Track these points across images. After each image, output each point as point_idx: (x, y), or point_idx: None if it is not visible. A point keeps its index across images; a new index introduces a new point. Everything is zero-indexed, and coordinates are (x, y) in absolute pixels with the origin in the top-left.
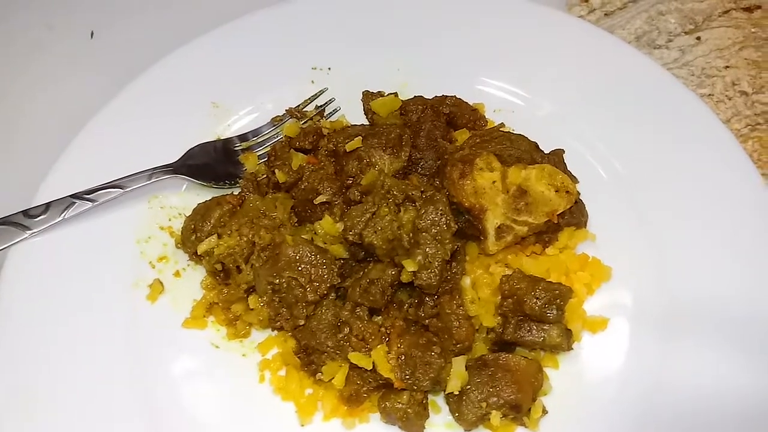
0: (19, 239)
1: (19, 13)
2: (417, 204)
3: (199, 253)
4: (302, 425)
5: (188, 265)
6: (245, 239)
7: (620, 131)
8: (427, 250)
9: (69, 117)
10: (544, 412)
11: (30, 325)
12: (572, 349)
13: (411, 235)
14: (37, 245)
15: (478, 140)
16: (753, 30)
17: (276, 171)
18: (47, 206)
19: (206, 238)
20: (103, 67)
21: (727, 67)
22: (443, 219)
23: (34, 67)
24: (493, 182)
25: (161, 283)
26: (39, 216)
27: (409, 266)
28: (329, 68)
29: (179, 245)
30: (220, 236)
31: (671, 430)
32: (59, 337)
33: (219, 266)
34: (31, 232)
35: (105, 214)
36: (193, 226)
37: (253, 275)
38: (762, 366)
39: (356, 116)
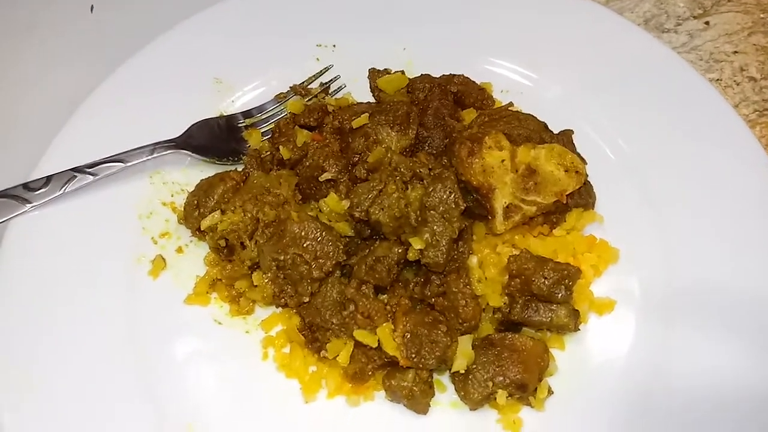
0: (19, 212)
1: None
2: (425, 182)
3: (202, 229)
4: (306, 402)
5: (191, 241)
6: (249, 215)
7: (629, 114)
8: (435, 228)
9: (69, 92)
10: (550, 392)
11: (30, 298)
12: (579, 329)
13: (418, 212)
14: (37, 219)
15: (486, 119)
16: (762, 15)
17: (280, 147)
18: (48, 179)
19: (209, 213)
20: (103, 42)
21: (736, 52)
22: (451, 197)
23: (34, 42)
24: (502, 161)
25: (163, 259)
26: (39, 189)
27: (417, 244)
28: (334, 45)
29: (182, 221)
30: (223, 212)
31: (675, 412)
32: (59, 311)
33: (222, 242)
34: (31, 205)
35: (106, 189)
36: (196, 202)
37: (257, 252)
38: (765, 352)
39: (361, 95)
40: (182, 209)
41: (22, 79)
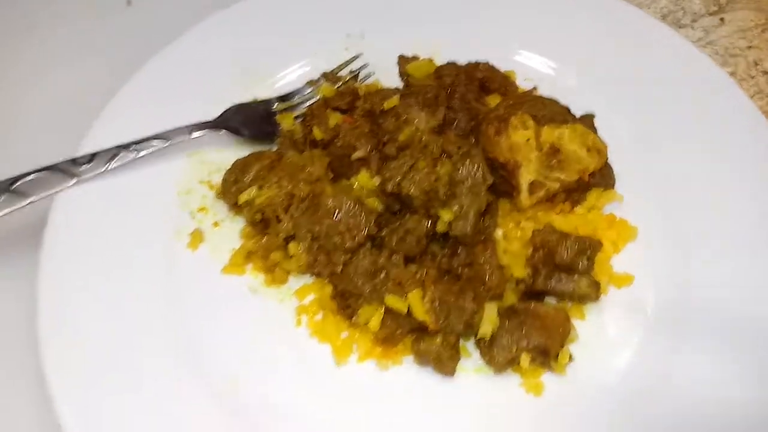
0: (66, 185)
1: None
2: (453, 158)
3: (240, 203)
4: (338, 365)
5: (227, 216)
6: (285, 190)
7: (648, 103)
8: (463, 201)
9: (106, 81)
10: (571, 358)
11: (76, 268)
12: (599, 299)
13: (447, 187)
14: (82, 193)
15: (512, 102)
16: None
17: (313, 129)
18: (93, 156)
19: (247, 189)
20: (139, 34)
21: (750, 47)
22: (479, 172)
23: (71, 34)
24: (528, 140)
25: (201, 232)
26: (85, 164)
27: (446, 216)
28: (363, 36)
29: (219, 196)
30: (260, 187)
31: (696, 378)
32: (104, 280)
33: (259, 216)
34: (77, 179)
35: (147, 168)
36: (234, 178)
37: (293, 224)
38: None
39: (388, 82)
40: (219, 186)
41: (61, 66)
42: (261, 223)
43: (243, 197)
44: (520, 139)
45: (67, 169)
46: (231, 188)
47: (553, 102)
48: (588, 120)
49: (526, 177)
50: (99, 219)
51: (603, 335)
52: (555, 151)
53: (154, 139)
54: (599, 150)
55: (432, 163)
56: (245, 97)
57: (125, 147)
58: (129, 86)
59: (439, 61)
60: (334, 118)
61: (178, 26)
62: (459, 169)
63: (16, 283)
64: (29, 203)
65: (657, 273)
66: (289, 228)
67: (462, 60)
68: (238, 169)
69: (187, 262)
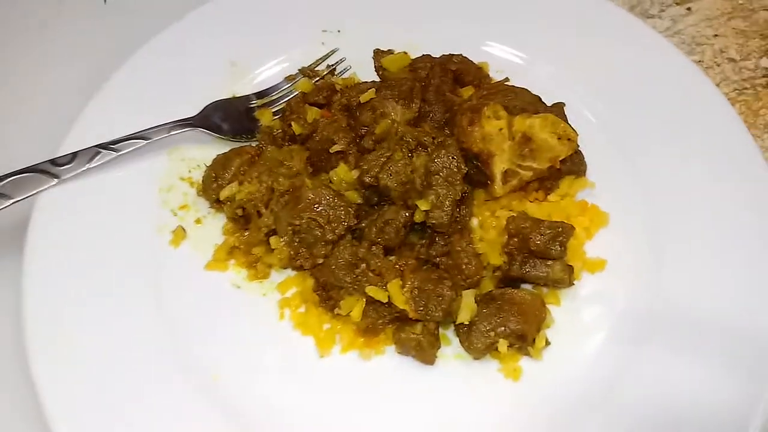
0: (47, 186)
1: None
2: (429, 149)
3: (221, 199)
4: (321, 357)
5: (208, 213)
6: (265, 185)
7: (616, 90)
8: (439, 191)
9: (85, 80)
10: (547, 343)
11: (59, 267)
12: (573, 284)
13: (423, 177)
14: (64, 193)
15: (485, 92)
16: (741, 1)
17: (292, 123)
18: (74, 155)
19: (227, 185)
20: (116, 32)
21: (716, 35)
22: (454, 162)
23: (47, 33)
24: (500, 129)
25: (183, 229)
26: (66, 165)
27: (423, 206)
28: (339, 30)
29: (200, 193)
30: (240, 183)
31: (663, 359)
32: (87, 279)
33: (240, 211)
34: (58, 179)
35: (128, 166)
36: (214, 175)
37: (274, 218)
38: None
39: (365, 76)
40: (200, 183)
41: (38, 67)
42: (242, 219)
43: (224, 193)
44: (493, 129)
45: (48, 169)
46: (212, 185)
47: (524, 92)
48: (558, 108)
49: (499, 166)
50: (81, 218)
51: (577, 320)
52: (527, 140)
53: (134, 138)
54: (570, 138)
55: (408, 155)
56: (224, 94)
57: (105, 146)
58: (108, 85)
59: (414, 54)
60: (312, 113)
61: (155, 25)
62: (434, 160)
63: (1, 285)
64: (11, 204)
65: (628, 258)
66: (270, 222)
67: (436, 53)
68: (219, 165)
69: (170, 259)
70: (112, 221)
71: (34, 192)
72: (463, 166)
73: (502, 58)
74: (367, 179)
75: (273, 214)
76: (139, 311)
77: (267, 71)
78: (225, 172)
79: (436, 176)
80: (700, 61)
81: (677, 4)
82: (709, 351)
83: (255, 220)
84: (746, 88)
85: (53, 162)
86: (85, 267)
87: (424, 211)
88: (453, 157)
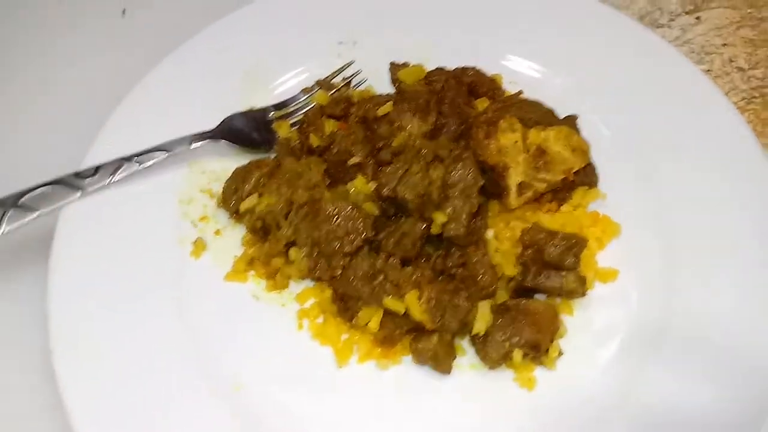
0: (72, 198)
1: None
2: (445, 162)
3: (241, 211)
4: (339, 366)
5: (228, 224)
6: (284, 197)
7: (629, 102)
8: (456, 203)
9: (105, 92)
10: (561, 353)
11: (83, 279)
12: (586, 294)
13: (440, 190)
14: (88, 205)
15: (500, 105)
16: (749, 10)
17: (310, 136)
18: (97, 168)
19: (247, 197)
20: (135, 45)
21: (725, 45)
22: (470, 175)
23: (67, 47)
24: (515, 142)
25: (203, 240)
26: (89, 177)
27: (439, 218)
28: (354, 42)
29: (220, 205)
30: (260, 195)
31: (676, 369)
32: (111, 290)
33: (259, 223)
34: (82, 192)
35: (149, 178)
36: (234, 187)
37: (293, 230)
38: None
39: (381, 88)
40: (220, 195)
41: (58, 79)
42: (261, 230)
43: (244, 205)
44: (509, 142)
45: (72, 182)
46: (231, 197)
47: (538, 104)
48: (571, 121)
49: (514, 178)
50: (104, 230)
51: (590, 329)
52: (541, 152)
53: (156, 150)
54: (583, 150)
55: (425, 168)
56: (243, 106)
57: (128, 159)
58: (129, 99)
59: (429, 66)
60: (330, 125)
61: (173, 38)
62: (451, 173)
63: (27, 297)
64: (36, 216)
65: (640, 267)
66: (290, 234)
67: (451, 65)
68: (238, 177)
69: (191, 270)
70: (134, 233)
71: (59, 205)
72: (479, 179)
73: (516, 71)
74: (385, 192)
75: (292, 226)
76: (161, 322)
77: (284, 83)
78: (245, 184)
79: (453, 189)
80: (709, 71)
81: (686, 13)
82: (721, 362)
83: (274, 231)
84: (755, 97)
85: (77, 175)
86: (108, 278)
87: (441, 223)
88: (469, 170)
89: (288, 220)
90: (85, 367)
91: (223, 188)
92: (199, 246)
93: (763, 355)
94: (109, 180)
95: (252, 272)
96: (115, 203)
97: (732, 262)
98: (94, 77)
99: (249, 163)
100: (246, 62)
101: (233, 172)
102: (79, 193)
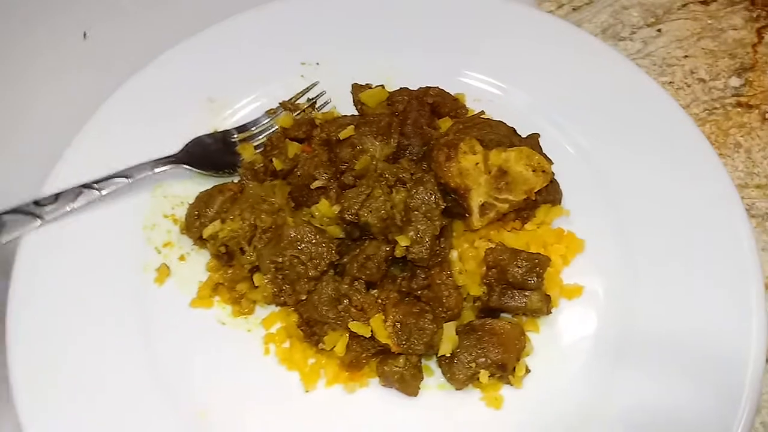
0: (32, 226)
1: (7, 15)
2: (408, 185)
3: (204, 237)
4: (306, 391)
5: (192, 249)
6: (247, 223)
7: (589, 117)
8: (419, 226)
9: (66, 116)
10: (527, 371)
11: (45, 308)
12: (551, 312)
13: (403, 213)
14: (48, 233)
15: (461, 126)
16: (709, 21)
17: (273, 159)
18: (56, 196)
19: (210, 223)
20: (97, 68)
21: (686, 56)
22: (432, 198)
23: (28, 69)
24: (476, 164)
25: (168, 267)
26: (49, 205)
27: (403, 241)
28: (317, 63)
29: (183, 231)
30: (223, 221)
31: (645, 384)
32: (74, 319)
33: (223, 249)
34: (42, 220)
35: (111, 205)
36: (197, 213)
37: (256, 256)
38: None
39: (344, 108)
40: (183, 220)
41: (18, 105)
42: (225, 256)
43: (207, 231)
44: (469, 164)
45: (32, 210)
46: (195, 222)
47: (500, 124)
48: (533, 139)
49: (476, 200)
50: (65, 259)
51: (557, 346)
52: (502, 173)
53: (117, 177)
54: (544, 170)
55: (387, 191)
56: (205, 129)
57: (88, 186)
58: (91, 124)
59: (393, 85)
60: (293, 148)
61: (136, 60)
62: (413, 196)
63: None
64: None
65: (605, 283)
66: (253, 259)
67: (414, 84)
68: (202, 202)
69: (156, 296)
70: (96, 260)
71: (18, 233)
72: (441, 202)
73: (479, 88)
74: (348, 216)
75: (256, 251)
76: (125, 350)
77: (248, 106)
78: (207, 209)
79: (415, 212)
80: (671, 83)
81: (648, 26)
82: (687, 372)
83: (238, 257)
84: (716, 108)
85: (37, 203)
86: (70, 307)
87: (404, 246)
88: (431, 193)
89: (252, 245)
90: (46, 398)
91: (186, 214)
92: (163, 272)
93: (726, 360)
94: (69, 207)
95: (217, 298)
96: (76, 231)
97: (695, 273)
98: (55, 102)
99: (212, 188)
100: (209, 84)
101: (196, 198)
102: (39, 222)
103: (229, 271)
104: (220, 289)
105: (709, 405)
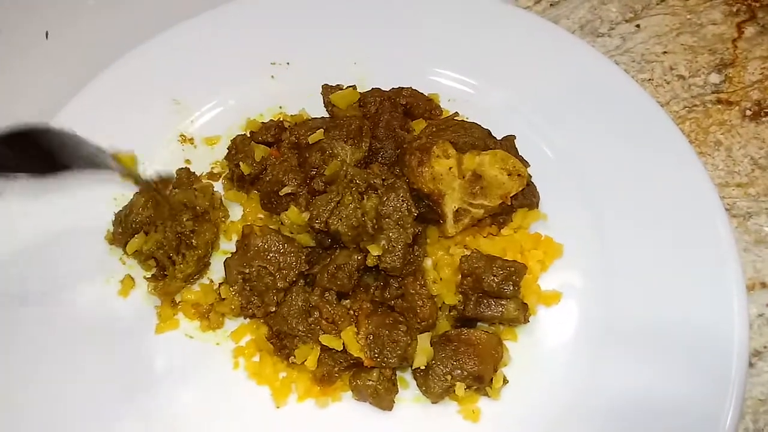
0: None
1: None
2: (379, 192)
3: (129, 254)
4: (278, 407)
5: None
6: (169, 232)
7: (566, 116)
8: (390, 234)
9: (28, 116)
10: (505, 381)
11: (9, 325)
12: (528, 321)
13: (374, 221)
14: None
15: (434, 129)
16: (688, 16)
17: (240, 164)
18: None
19: (131, 237)
20: (60, 68)
21: (665, 52)
22: (404, 205)
23: None
24: (450, 168)
25: (132, 278)
26: None
27: (374, 251)
28: (288, 63)
29: (113, 243)
30: (146, 233)
31: (624, 391)
32: (40, 336)
33: (152, 262)
34: None
35: (72, 215)
36: (120, 230)
37: (224, 266)
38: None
39: (316, 109)
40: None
41: None
42: (158, 268)
43: (131, 248)
44: (443, 169)
45: None
46: (120, 240)
47: (474, 126)
48: (509, 142)
49: (450, 205)
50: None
51: (535, 355)
52: (477, 177)
53: None
54: (520, 173)
55: (358, 198)
56: (171, 131)
57: None
58: (54, 123)
59: (365, 85)
60: (260, 151)
61: (99, 60)
62: (385, 204)
63: None
64: None
65: (584, 287)
66: (184, 268)
67: (386, 85)
68: (118, 220)
69: (121, 309)
70: (58, 273)
71: None
72: (413, 209)
73: (454, 87)
74: (317, 225)
75: (186, 258)
76: (91, 364)
77: (215, 108)
78: (128, 225)
79: (387, 219)
80: (650, 80)
81: (626, 21)
82: (668, 374)
83: (170, 268)
84: (696, 105)
85: None
86: (37, 322)
87: (376, 255)
88: (403, 200)
89: (180, 253)
90: (12, 417)
91: (111, 233)
92: (127, 284)
93: (709, 353)
94: None
95: (180, 314)
96: (37, 237)
97: (672, 273)
98: (16, 102)
99: (128, 204)
100: (174, 87)
101: (116, 215)
102: None
103: (164, 283)
104: (183, 306)
105: (690, 406)
